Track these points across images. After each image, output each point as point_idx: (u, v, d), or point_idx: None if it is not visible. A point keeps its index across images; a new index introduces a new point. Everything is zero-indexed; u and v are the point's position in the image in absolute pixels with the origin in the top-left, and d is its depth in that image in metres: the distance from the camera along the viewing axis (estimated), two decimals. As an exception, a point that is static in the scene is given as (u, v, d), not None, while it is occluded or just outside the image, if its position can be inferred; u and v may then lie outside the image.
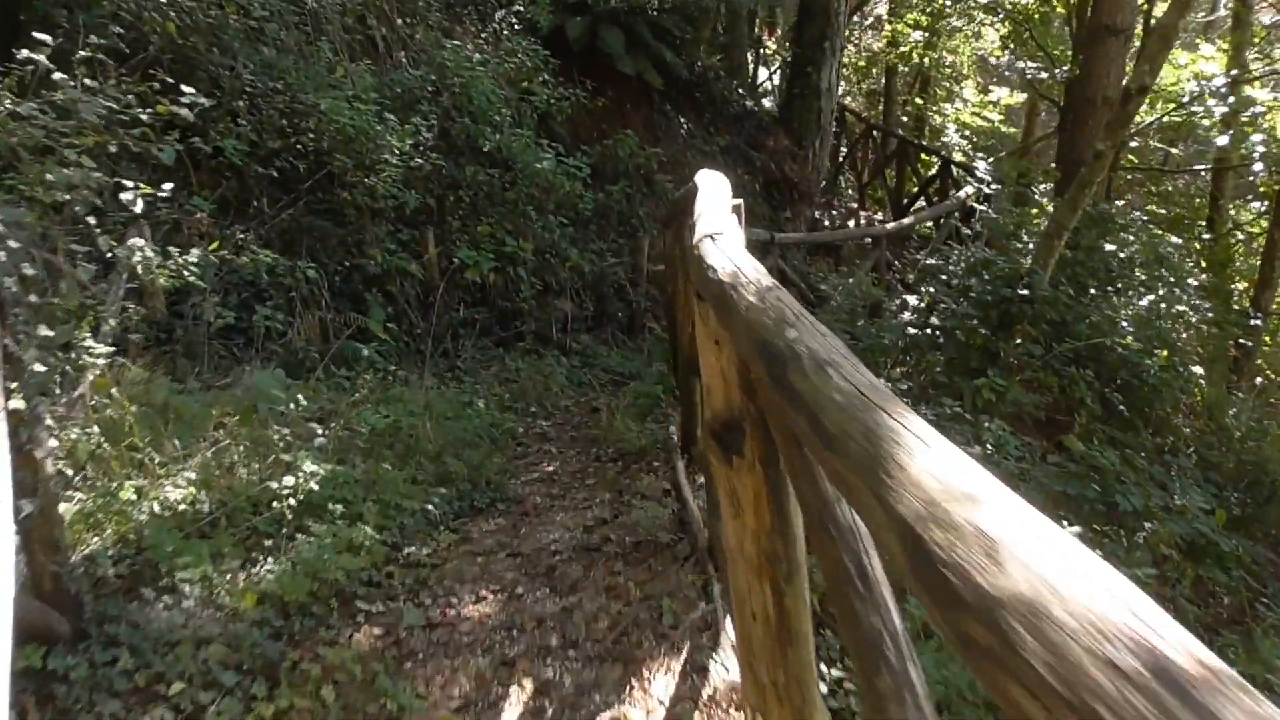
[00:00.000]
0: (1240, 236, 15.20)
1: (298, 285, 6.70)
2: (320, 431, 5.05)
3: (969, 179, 12.92)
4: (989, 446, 6.45)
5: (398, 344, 7.44)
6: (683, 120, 11.38)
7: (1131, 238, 8.70)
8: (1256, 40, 16.00)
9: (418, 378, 7.32)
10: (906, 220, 10.15)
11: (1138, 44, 12.13)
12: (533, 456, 6.19)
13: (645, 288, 9.88)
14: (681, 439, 5.42)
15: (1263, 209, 14.87)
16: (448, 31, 8.80)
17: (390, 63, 8.08)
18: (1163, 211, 16.50)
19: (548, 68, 9.12)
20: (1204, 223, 16.38)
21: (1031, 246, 9.26)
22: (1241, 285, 13.84)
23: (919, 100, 23.55)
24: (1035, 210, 9.96)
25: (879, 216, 16.62)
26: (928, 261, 9.63)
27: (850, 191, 17.06)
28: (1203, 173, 15.45)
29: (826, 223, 13.67)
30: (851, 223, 15.58)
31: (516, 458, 6.16)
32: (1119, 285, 8.39)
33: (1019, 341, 7.80)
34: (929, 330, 8.28)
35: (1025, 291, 7.57)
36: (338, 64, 7.27)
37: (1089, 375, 7.80)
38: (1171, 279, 8.41)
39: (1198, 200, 16.92)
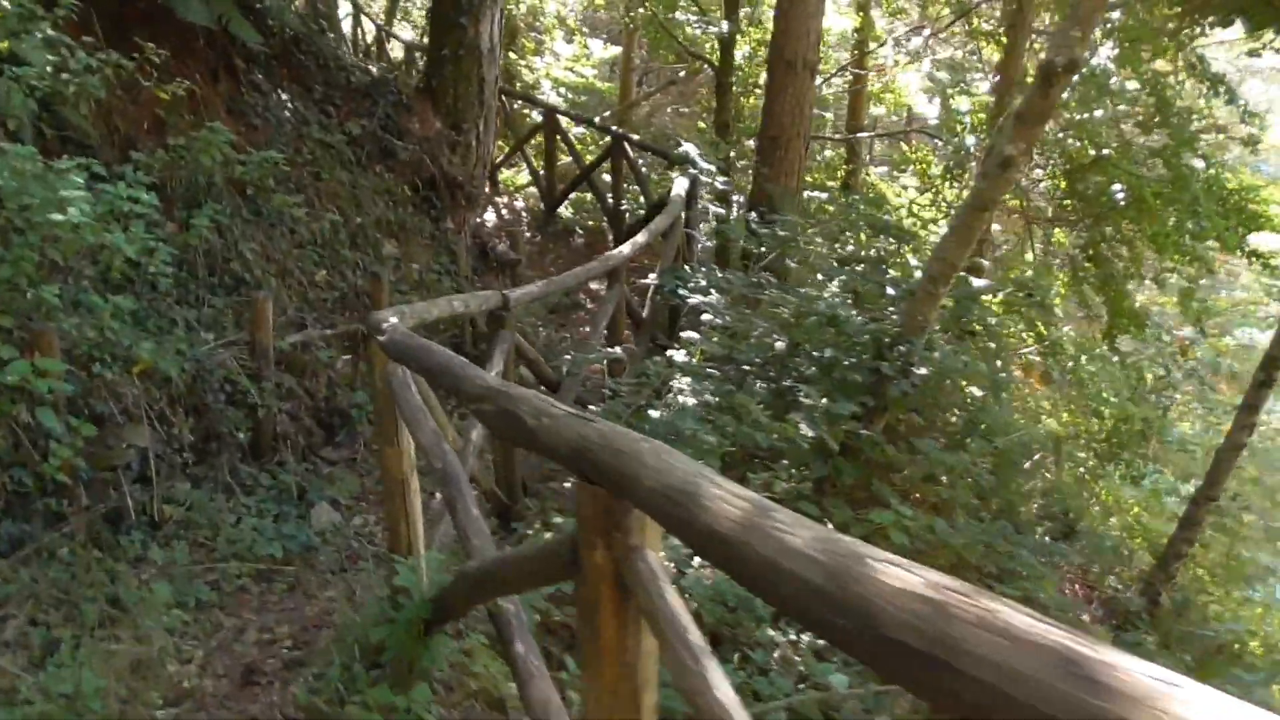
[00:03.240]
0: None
1: None
2: None
3: (664, 163, 10.46)
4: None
5: None
6: (286, 98, 7.47)
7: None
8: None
9: None
10: (640, 238, 7.29)
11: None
12: None
13: (274, 376, 6.07)
14: None
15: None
16: None
17: None
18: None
19: (49, 13, 4.89)
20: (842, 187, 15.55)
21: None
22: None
23: (510, 54, 20.86)
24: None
25: (520, 206, 13.63)
26: (693, 300, 6.87)
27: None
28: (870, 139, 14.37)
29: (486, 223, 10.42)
30: (491, 216, 12.41)
31: None
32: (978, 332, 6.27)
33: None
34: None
35: (920, 370, 5.07)
36: None
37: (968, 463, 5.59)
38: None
39: (839, 169, 16.04)
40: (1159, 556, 8.92)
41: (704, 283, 7.68)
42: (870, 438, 5.03)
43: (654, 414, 6.11)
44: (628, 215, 11.53)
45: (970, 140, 10.41)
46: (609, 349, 6.21)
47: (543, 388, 6.33)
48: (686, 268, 8.23)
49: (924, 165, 14.16)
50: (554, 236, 12.11)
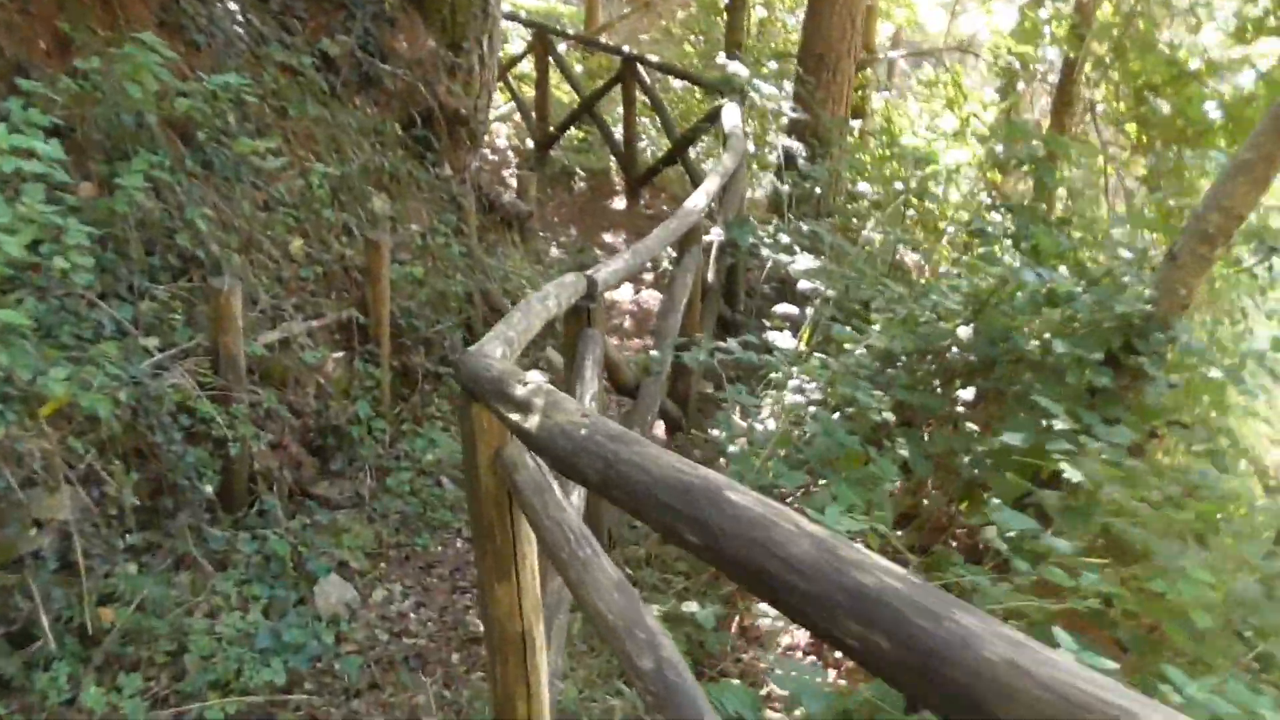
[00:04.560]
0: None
1: None
2: None
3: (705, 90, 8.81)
4: None
5: None
6: (235, 8, 5.60)
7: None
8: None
9: None
10: (712, 185, 5.60)
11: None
12: None
13: (247, 389, 4.35)
14: None
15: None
16: None
17: None
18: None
19: None
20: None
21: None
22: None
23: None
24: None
25: (503, 144, 11.74)
26: (792, 265, 5.26)
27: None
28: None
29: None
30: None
31: None
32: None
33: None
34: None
35: (1213, 371, 3.54)
36: None
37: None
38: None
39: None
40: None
41: (785, 239, 6.06)
42: (1128, 468, 3.50)
43: (767, 423, 4.54)
44: (647, 154, 9.78)
45: (1053, 52, 8.84)
46: (720, 344, 4.57)
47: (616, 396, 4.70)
48: (751, 219, 6.59)
49: (954, 87, 12.57)
50: (550, 181, 10.32)
